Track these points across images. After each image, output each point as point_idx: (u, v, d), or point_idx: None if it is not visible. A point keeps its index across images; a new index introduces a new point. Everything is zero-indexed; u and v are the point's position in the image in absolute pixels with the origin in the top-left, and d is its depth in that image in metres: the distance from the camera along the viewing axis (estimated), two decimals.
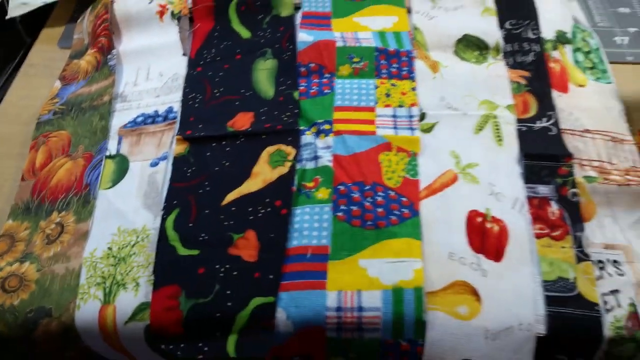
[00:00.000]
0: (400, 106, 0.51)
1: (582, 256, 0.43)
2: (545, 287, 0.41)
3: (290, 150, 0.48)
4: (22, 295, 0.42)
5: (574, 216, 0.45)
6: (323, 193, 0.45)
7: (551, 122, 0.51)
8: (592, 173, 0.48)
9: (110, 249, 0.44)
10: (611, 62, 0.59)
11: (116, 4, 0.59)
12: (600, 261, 0.43)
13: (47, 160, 0.51)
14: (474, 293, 0.41)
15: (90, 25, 0.60)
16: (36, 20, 0.65)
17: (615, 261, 0.43)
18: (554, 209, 0.46)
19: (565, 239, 0.44)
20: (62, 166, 0.50)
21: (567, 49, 0.59)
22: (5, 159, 0.53)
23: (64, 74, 0.58)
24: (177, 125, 0.51)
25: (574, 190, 0.46)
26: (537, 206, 0.46)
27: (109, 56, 0.56)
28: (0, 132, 0.55)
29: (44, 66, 0.61)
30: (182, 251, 0.43)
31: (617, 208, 0.47)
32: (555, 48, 0.58)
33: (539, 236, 0.44)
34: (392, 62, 0.54)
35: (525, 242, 0.44)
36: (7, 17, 0.63)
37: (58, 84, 0.57)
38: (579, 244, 0.44)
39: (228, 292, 0.40)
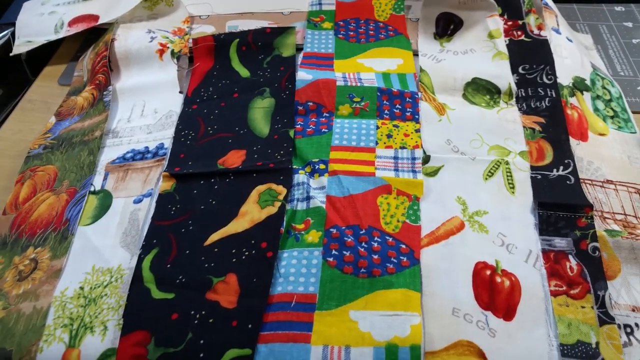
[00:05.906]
0: (403, 148, 0.51)
1: (605, 318, 0.41)
2: (563, 351, 0.39)
3: (281, 189, 0.47)
4: None
5: (596, 273, 0.43)
6: (313, 236, 0.44)
7: (569, 170, 0.50)
8: (615, 227, 0.46)
9: (82, 288, 0.43)
10: (634, 112, 0.59)
11: (117, 42, 0.62)
12: (627, 325, 0.41)
13: (30, 194, 0.51)
14: (480, 355, 0.39)
15: (90, 62, 0.62)
16: (42, 60, 0.68)
17: None
18: (572, 264, 0.44)
19: (585, 298, 0.42)
20: (44, 201, 0.50)
21: (586, 96, 0.58)
22: None
23: (60, 109, 0.60)
24: (165, 162, 0.51)
25: (594, 244, 0.44)
26: (553, 260, 0.44)
27: (104, 92, 0.58)
28: None
29: (41, 102, 0.63)
30: (157, 294, 0.41)
31: None
32: (572, 95, 0.57)
33: (555, 293, 0.42)
34: (395, 102, 0.54)
35: (540, 300, 0.42)
36: (11, 54, 0.65)
37: (53, 120, 0.59)
38: (601, 304, 0.41)
39: (201, 341, 0.39)
